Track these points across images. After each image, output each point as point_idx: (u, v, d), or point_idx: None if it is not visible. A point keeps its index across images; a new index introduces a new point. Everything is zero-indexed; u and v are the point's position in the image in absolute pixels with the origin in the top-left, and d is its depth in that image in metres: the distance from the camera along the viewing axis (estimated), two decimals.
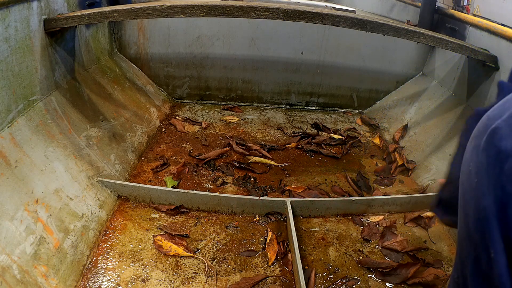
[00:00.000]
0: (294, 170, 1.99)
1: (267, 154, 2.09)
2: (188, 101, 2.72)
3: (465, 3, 2.23)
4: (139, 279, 1.27)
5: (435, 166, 1.95)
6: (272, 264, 1.39)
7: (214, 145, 2.16)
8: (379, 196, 1.76)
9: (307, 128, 2.46)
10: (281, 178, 1.91)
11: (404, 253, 1.49)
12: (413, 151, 2.15)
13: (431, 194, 1.76)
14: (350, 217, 1.67)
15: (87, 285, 1.24)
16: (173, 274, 1.31)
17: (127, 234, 1.46)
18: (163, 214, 1.58)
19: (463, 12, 2.23)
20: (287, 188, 1.83)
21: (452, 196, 0.84)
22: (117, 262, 1.33)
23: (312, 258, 1.44)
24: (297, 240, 1.41)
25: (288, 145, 2.22)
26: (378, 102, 2.77)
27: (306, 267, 1.39)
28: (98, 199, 1.53)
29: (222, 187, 1.80)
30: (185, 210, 1.61)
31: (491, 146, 0.44)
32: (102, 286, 1.23)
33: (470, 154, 0.48)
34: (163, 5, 1.59)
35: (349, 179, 1.94)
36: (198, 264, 1.36)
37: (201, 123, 2.39)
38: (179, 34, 2.50)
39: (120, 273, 1.29)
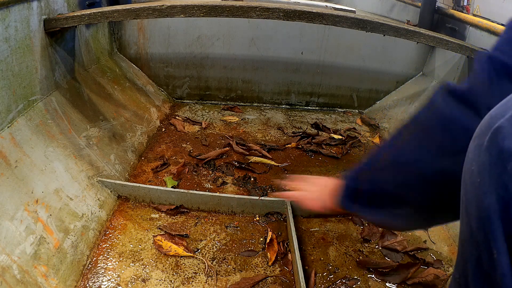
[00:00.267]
0: (294, 170, 1.99)
1: (267, 154, 2.09)
2: (188, 101, 2.72)
3: (465, 3, 2.23)
4: (139, 279, 1.27)
5: None
6: (272, 264, 1.39)
7: (214, 145, 2.16)
8: None
9: (307, 128, 2.46)
10: (281, 178, 1.91)
11: (404, 253, 1.49)
12: None
13: None
14: (350, 217, 1.67)
15: (87, 285, 1.23)
16: (173, 274, 1.31)
17: (127, 234, 1.46)
18: (163, 214, 1.58)
19: (463, 12, 2.23)
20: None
21: (379, 187, 0.77)
22: (117, 262, 1.33)
23: (312, 258, 1.44)
24: (297, 240, 1.40)
25: (288, 145, 2.22)
26: (378, 102, 2.77)
27: (306, 267, 1.39)
28: (98, 199, 1.53)
29: (222, 187, 1.80)
30: (185, 210, 1.61)
31: (494, 146, 0.44)
32: (102, 286, 1.23)
33: (473, 153, 0.48)
34: (163, 5, 1.59)
35: None
36: (198, 264, 1.36)
37: (201, 123, 2.39)
38: (179, 34, 2.50)
39: (120, 273, 1.29)
